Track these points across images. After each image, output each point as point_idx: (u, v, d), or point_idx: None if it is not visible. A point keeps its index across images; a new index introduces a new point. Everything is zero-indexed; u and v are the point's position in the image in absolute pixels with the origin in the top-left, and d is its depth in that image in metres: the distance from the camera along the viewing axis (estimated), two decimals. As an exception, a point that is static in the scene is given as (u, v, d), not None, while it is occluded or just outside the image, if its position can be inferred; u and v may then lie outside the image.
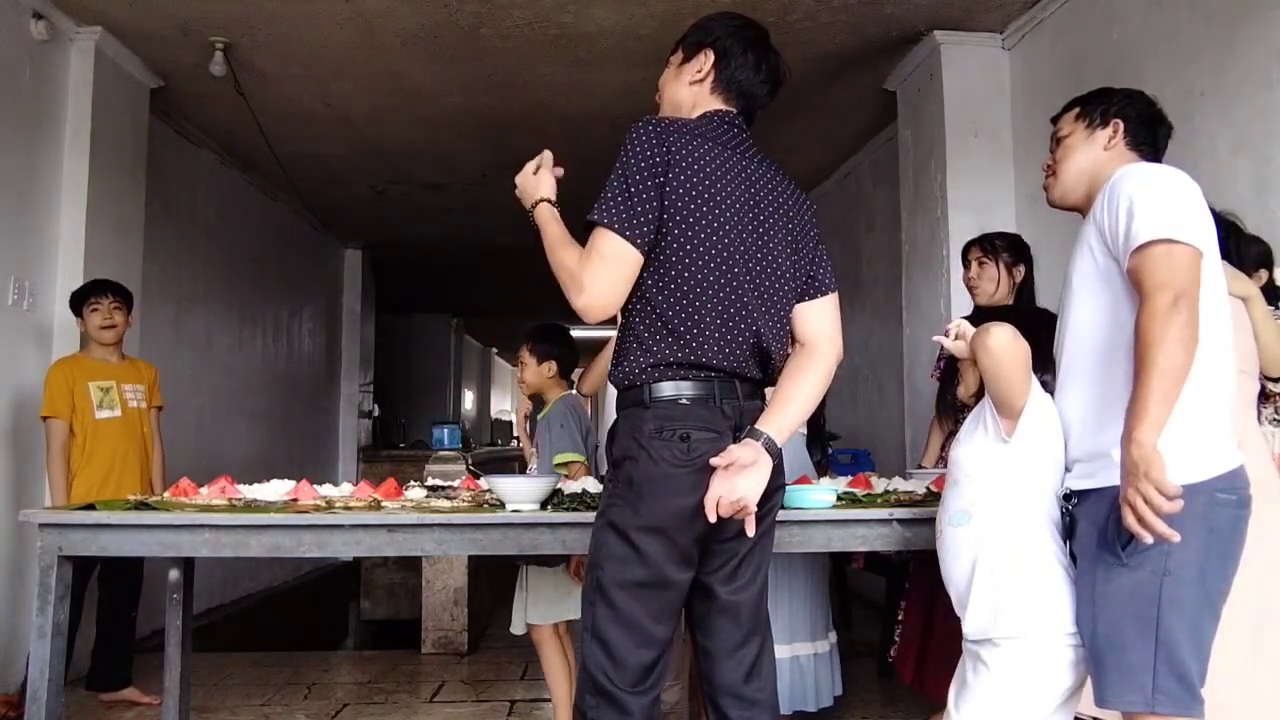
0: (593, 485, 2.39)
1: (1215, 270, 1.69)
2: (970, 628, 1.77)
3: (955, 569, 1.82)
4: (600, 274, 1.66)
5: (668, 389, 1.69)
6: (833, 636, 2.98)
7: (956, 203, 4.27)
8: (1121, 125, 1.85)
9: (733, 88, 1.84)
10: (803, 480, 2.54)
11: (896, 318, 4.90)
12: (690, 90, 1.86)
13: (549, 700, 3.57)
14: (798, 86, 4.99)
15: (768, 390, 1.85)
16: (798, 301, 1.84)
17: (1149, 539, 1.52)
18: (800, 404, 1.76)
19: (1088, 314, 1.76)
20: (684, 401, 1.69)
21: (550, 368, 3.13)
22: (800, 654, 2.90)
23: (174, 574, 2.68)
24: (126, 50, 4.39)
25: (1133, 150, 1.85)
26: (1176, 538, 1.50)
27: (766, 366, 1.80)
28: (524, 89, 4.90)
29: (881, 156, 5.66)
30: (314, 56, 4.51)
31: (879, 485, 2.52)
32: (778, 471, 1.75)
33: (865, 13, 4.07)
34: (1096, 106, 1.88)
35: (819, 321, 1.84)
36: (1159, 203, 1.63)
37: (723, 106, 1.84)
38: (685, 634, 3.00)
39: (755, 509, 1.65)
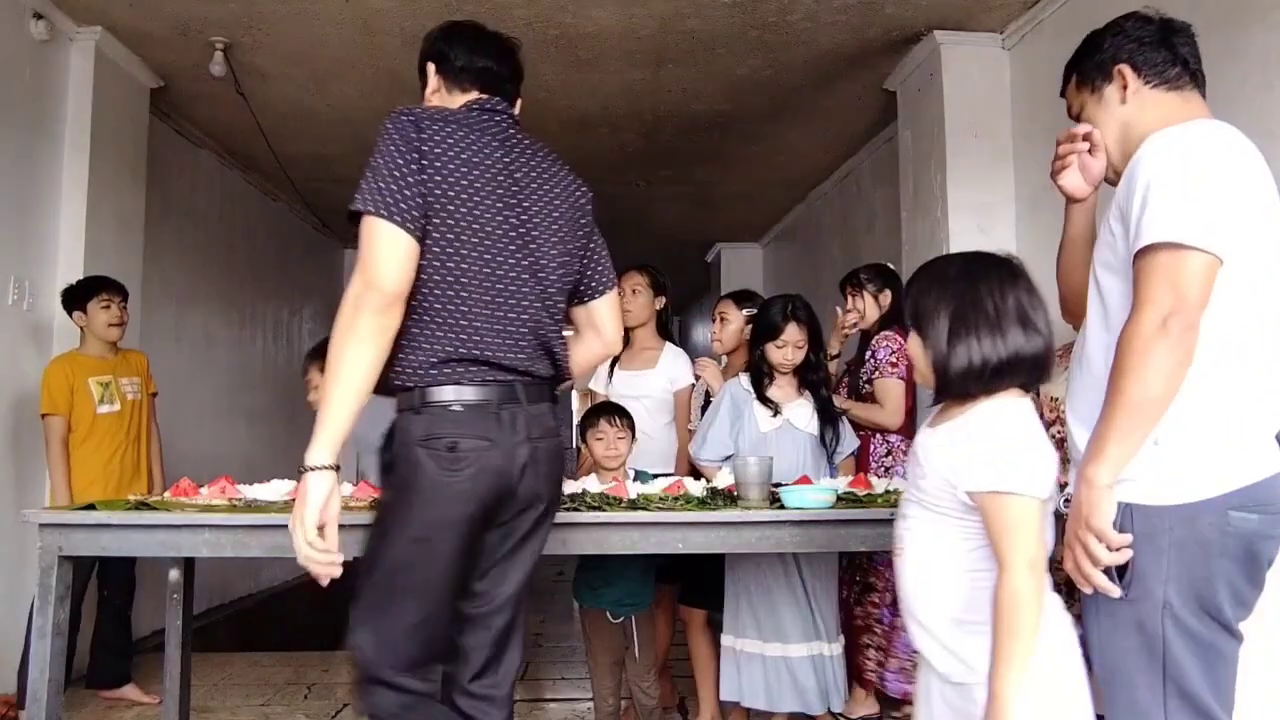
0: (593, 485, 2.39)
1: (1261, 254, 1.44)
2: (949, 668, 1.53)
3: (917, 594, 1.59)
4: (376, 258, 1.58)
5: (440, 394, 1.64)
6: (841, 639, 2.99)
7: (956, 203, 4.27)
8: (1127, 69, 1.58)
9: (465, 76, 1.86)
10: (803, 480, 2.54)
11: (896, 318, 4.90)
12: (435, 103, 1.88)
13: (550, 700, 3.58)
14: (798, 86, 5.01)
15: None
16: (576, 299, 1.86)
17: (1088, 589, 1.41)
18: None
19: (1108, 305, 1.54)
20: (456, 408, 1.64)
21: None
22: (822, 653, 2.92)
23: (174, 574, 2.68)
24: (126, 50, 4.39)
25: (1157, 85, 1.57)
26: (1117, 592, 1.39)
27: (553, 362, 1.79)
28: (524, 89, 4.90)
29: (881, 156, 5.66)
30: (314, 56, 4.51)
31: (879, 485, 2.53)
32: (556, 483, 1.79)
33: (865, 13, 4.07)
34: (1090, 62, 1.63)
35: (591, 322, 1.91)
36: (1175, 193, 1.39)
37: (474, 96, 1.84)
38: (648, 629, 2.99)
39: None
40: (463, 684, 1.77)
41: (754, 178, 6.66)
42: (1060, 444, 1.92)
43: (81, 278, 3.82)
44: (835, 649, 2.92)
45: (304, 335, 7.94)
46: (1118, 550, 1.39)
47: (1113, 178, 1.64)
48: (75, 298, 3.65)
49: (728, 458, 2.94)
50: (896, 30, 4.26)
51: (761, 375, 2.99)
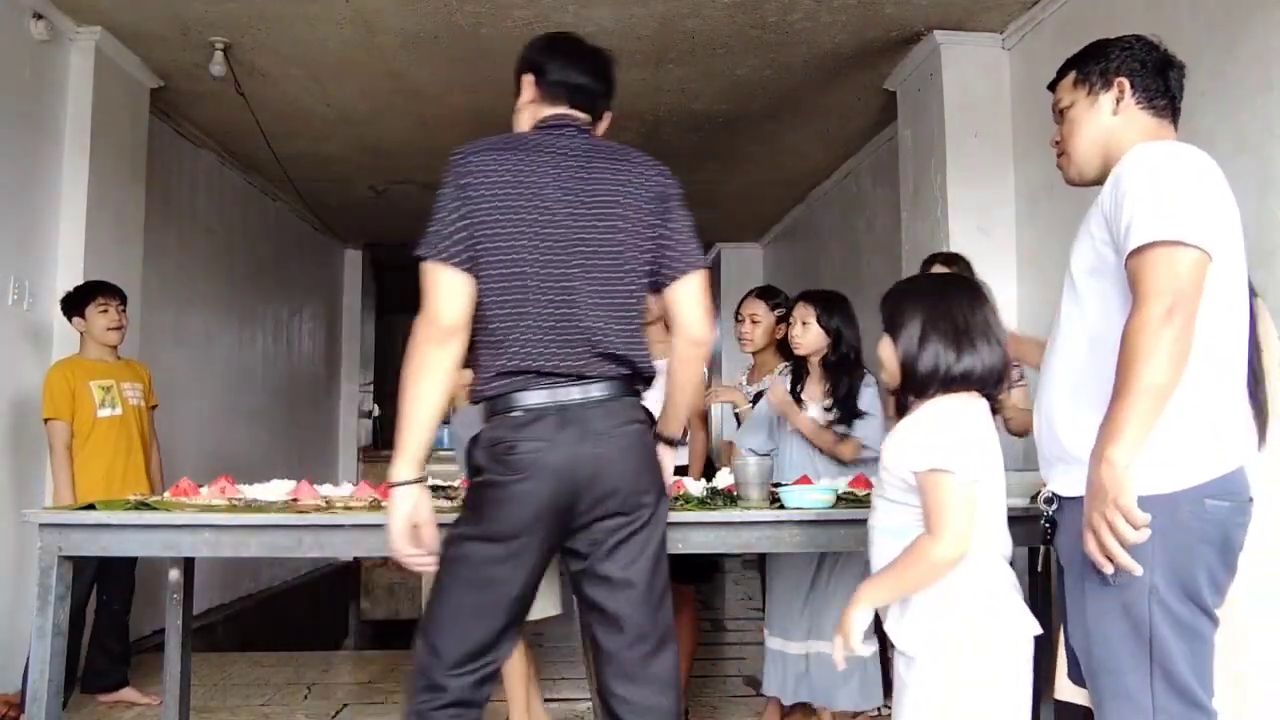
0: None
1: (1232, 264, 1.57)
2: (904, 641, 1.66)
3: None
4: (432, 297, 1.75)
5: (502, 403, 1.76)
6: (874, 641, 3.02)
7: (956, 203, 4.27)
8: (1126, 84, 1.69)
9: (560, 90, 1.91)
10: (803, 480, 2.54)
11: (896, 318, 4.90)
12: (527, 113, 1.94)
13: (548, 700, 3.58)
14: (798, 86, 5.01)
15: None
16: (654, 288, 1.87)
17: (1109, 569, 1.47)
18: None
19: (1086, 309, 1.65)
20: (516, 414, 1.74)
21: (465, 375, 3.12)
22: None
23: (174, 574, 2.68)
24: (126, 50, 4.39)
25: (1146, 108, 1.69)
26: (1139, 570, 1.46)
27: (621, 362, 1.80)
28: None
29: (881, 156, 5.66)
30: (314, 56, 4.51)
31: (879, 485, 2.53)
32: (640, 475, 1.80)
33: (865, 13, 4.07)
34: (1094, 66, 1.72)
35: (668, 310, 1.89)
36: (1167, 198, 1.49)
37: (558, 110, 1.90)
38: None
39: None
40: (610, 688, 1.81)
41: (754, 178, 6.66)
42: None
43: (80, 282, 3.81)
44: (867, 649, 2.94)
45: (304, 335, 7.95)
46: (1140, 529, 1.44)
47: (1076, 179, 1.77)
48: (73, 303, 3.65)
49: (767, 453, 3.05)
50: (896, 30, 4.25)
51: (799, 373, 3.06)
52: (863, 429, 3.00)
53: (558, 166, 1.79)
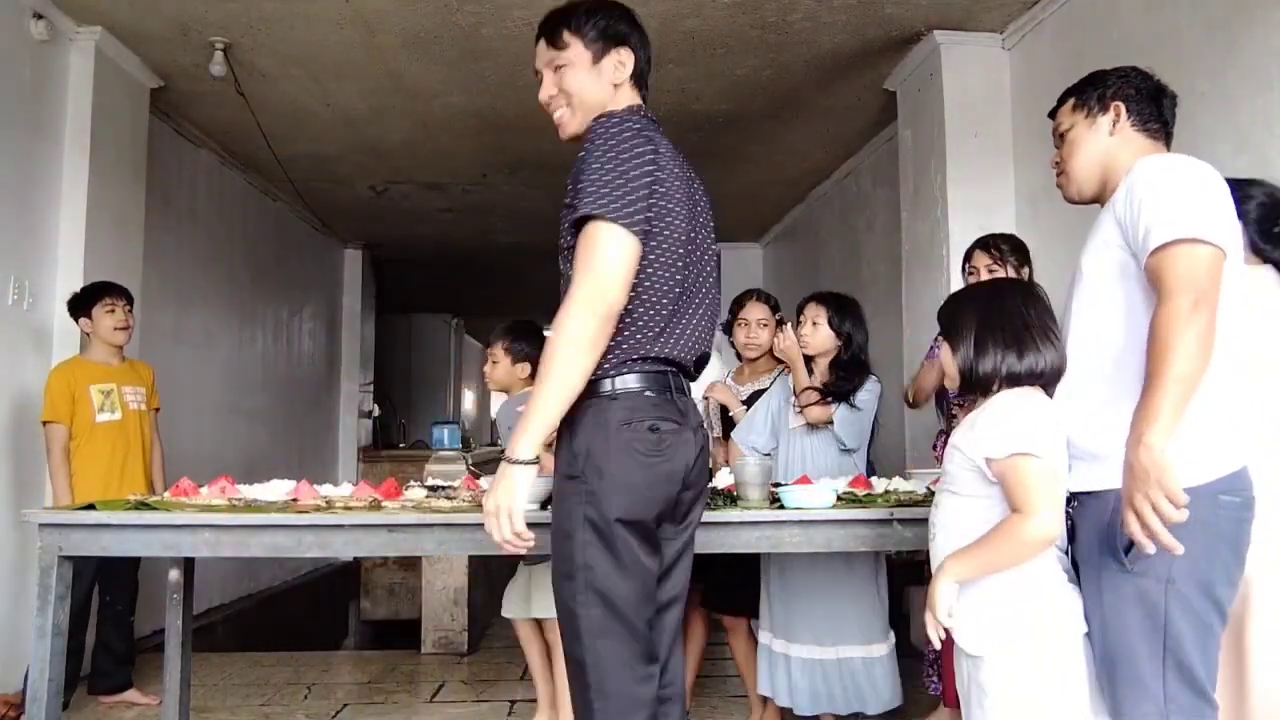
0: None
1: (1234, 267, 1.64)
2: (966, 641, 1.70)
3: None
4: (609, 264, 1.58)
5: (632, 381, 1.68)
6: (891, 639, 2.99)
7: (956, 203, 4.27)
8: (1122, 107, 1.80)
9: (643, 80, 1.85)
10: (802, 480, 2.54)
11: (896, 318, 4.91)
12: (613, 91, 1.80)
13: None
14: (798, 86, 5.01)
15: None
16: None
17: (1151, 548, 1.49)
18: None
19: (1100, 310, 1.72)
20: (648, 394, 1.69)
21: (524, 369, 3.08)
22: (850, 656, 2.91)
23: (174, 574, 2.68)
24: (126, 50, 4.39)
25: (1140, 130, 1.80)
26: (1180, 549, 1.49)
27: (702, 363, 1.84)
28: (524, 89, 4.89)
29: (881, 156, 5.66)
30: (314, 56, 4.51)
31: (879, 485, 2.53)
32: (702, 465, 1.79)
33: (865, 13, 4.07)
34: (1092, 92, 1.83)
35: None
36: (1183, 200, 1.59)
37: (636, 100, 1.83)
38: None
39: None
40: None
41: (754, 178, 6.66)
42: None
43: (84, 282, 3.81)
44: (877, 650, 2.92)
45: (304, 335, 7.95)
46: (1181, 508, 1.47)
47: (1075, 197, 1.87)
48: (80, 303, 3.65)
49: (768, 453, 3.06)
50: (896, 30, 4.26)
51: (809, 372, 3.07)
52: (843, 413, 2.96)
53: (681, 165, 1.78)
